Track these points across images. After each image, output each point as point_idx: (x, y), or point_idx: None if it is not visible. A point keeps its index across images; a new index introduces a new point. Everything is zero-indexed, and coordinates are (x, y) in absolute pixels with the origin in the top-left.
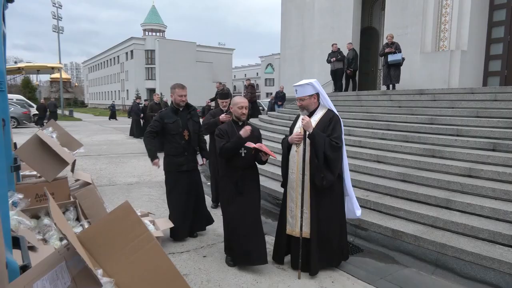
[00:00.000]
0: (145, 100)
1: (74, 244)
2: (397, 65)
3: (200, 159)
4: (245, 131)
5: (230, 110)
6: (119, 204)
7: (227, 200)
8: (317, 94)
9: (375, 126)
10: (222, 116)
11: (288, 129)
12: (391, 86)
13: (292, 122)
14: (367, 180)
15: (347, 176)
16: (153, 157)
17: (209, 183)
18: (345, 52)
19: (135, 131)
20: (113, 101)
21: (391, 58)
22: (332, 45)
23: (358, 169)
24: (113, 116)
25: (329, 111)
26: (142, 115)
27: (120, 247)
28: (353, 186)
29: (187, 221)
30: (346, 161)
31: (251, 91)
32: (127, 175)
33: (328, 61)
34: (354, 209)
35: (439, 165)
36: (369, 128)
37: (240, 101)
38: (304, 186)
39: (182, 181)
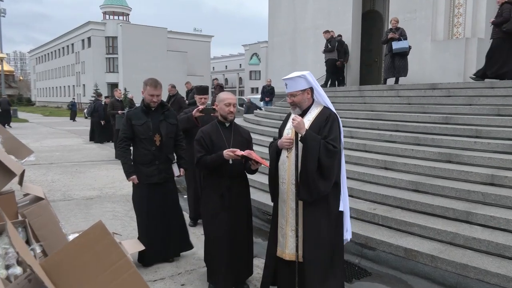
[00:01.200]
0: (105, 97)
1: (40, 275)
2: (403, 54)
3: (176, 170)
4: (230, 155)
5: (215, 108)
6: (76, 223)
7: (210, 216)
8: (311, 89)
9: (381, 127)
10: (195, 112)
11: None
12: (395, 79)
13: (281, 122)
14: (374, 190)
15: (344, 187)
16: (129, 172)
17: (185, 196)
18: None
19: (96, 135)
20: (73, 99)
21: (395, 45)
22: (323, 32)
23: (362, 178)
24: (73, 116)
25: (325, 108)
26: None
27: (93, 276)
28: (357, 197)
29: (159, 244)
30: (344, 169)
31: (219, 92)
32: (85, 188)
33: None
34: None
35: (456, 171)
36: (374, 129)
37: (227, 97)
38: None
39: (151, 195)
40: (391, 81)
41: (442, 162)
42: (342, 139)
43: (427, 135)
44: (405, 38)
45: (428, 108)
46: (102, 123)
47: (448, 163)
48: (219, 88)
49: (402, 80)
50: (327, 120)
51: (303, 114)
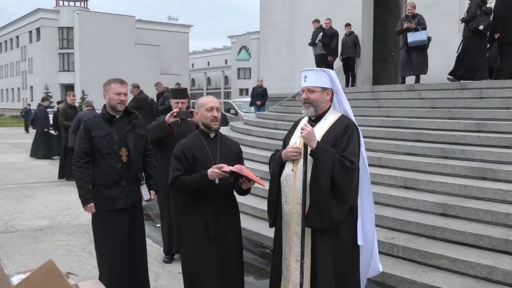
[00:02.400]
0: (58, 103)
1: None
2: (421, 48)
3: (145, 192)
4: (217, 173)
5: (194, 113)
6: (22, 260)
7: (192, 250)
8: (332, 92)
9: (400, 136)
10: (169, 117)
11: (275, 141)
12: (415, 77)
13: (287, 131)
14: (392, 214)
15: (370, 211)
16: (86, 199)
17: (158, 225)
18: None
19: (38, 149)
20: (29, 105)
21: (411, 38)
22: (312, 22)
23: (377, 199)
24: (27, 126)
25: (344, 116)
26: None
27: None
28: None
29: (125, 285)
30: (369, 192)
31: None
32: (33, 216)
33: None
34: (376, 263)
35: (492, 190)
36: (391, 139)
37: (207, 100)
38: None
39: (117, 224)
40: (410, 79)
41: (475, 179)
42: (365, 154)
43: (455, 145)
44: (424, 28)
45: (456, 113)
46: (55, 133)
47: (482, 180)
48: None
49: (424, 78)
50: (345, 129)
51: (316, 121)
